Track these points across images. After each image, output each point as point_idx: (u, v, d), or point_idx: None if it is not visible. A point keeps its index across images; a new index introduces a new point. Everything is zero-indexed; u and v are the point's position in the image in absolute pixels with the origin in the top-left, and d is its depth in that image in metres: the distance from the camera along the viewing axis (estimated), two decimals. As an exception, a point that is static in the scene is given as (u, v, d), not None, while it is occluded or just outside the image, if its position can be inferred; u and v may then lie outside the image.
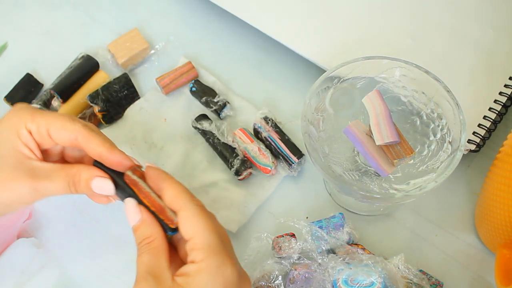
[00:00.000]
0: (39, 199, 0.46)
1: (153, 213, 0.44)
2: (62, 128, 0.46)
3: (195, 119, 0.60)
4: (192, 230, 0.42)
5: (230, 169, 0.58)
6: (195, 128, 0.60)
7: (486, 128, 0.55)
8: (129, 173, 0.46)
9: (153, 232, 0.44)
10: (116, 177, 0.46)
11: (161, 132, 0.62)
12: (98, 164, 0.47)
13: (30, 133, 0.46)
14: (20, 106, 0.48)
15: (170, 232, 0.44)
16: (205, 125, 0.59)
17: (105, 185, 0.46)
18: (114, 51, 0.64)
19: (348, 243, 0.52)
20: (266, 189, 0.58)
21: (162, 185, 0.45)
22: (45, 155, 0.48)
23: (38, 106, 0.61)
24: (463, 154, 0.48)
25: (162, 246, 0.43)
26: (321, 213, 0.56)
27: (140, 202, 0.45)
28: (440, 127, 0.51)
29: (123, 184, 0.46)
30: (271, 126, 0.59)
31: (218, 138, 0.59)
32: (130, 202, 0.45)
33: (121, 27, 0.68)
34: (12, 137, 0.46)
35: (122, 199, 0.46)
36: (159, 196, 0.45)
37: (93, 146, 0.46)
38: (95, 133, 0.47)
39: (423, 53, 0.59)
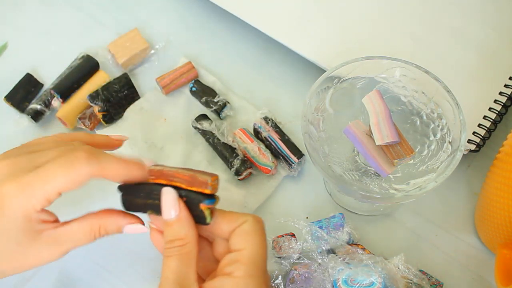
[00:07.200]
0: (69, 251, 0.44)
1: (185, 192, 0.41)
2: (70, 181, 0.40)
3: (195, 119, 0.60)
4: (246, 242, 0.40)
5: (230, 169, 0.58)
6: (195, 128, 0.60)
7: (486, 128, 0.55)
8: (152, 167, 0.43)
9: (188, 234, 0.40)
10: (141, 188, 0.43)
11: (161, 132, 0.62)
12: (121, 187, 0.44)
13: (42, 209, 0.41)
14: (12, 187, 0.40)
15: (207, 201, 0.41)
16: (205, 125, 0.59)
17: (138, 229, 0.43)
18: (114, 51, 0.64)
19: (348, 243, 0.52)
20: (266, 189, 0.58)
21: None
22: None
23: (38, 106, 0.61)
24: (463, 154, 0.48)
25: (193, 252, 0.41)
26: (321, 213, 0.56)
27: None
28: (440, 127, 0.51)
29: (149, 190, 0.43)
30: (271, 126, 0.59)
31: (218, 138, 0.59)
32: (170, 193, 0.41)
33: (121, 27, 0.68)
34: (21, 224, 0.40)
35: (151, 208, 0.43)
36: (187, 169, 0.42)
37: (109, 175, 0.42)
38: (105, 160, 0.42)
39: (423, 53, 0.59)
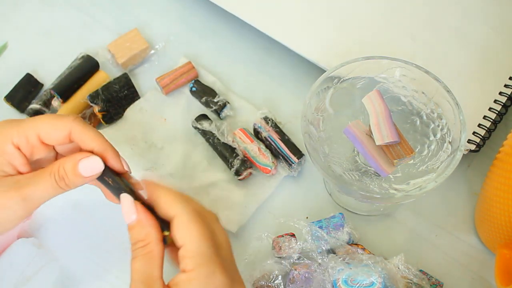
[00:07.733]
0: (32, 209, 0.44)
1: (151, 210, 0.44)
2: (52, 127, 0.44)
3: (195, 119, 0.60)
4: (184, 237, 0.41)
5: (230, 169, 0.58)
6: (195, 128, 0.60)
7: (486, 128, 0.55)
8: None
9: (148, 235, 0.42)
10: (116, 176, 0.45)
11: (161, 132, 0.62)
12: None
13: (19, 148, 0.44)
14: (3, 121, 0.45)
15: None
16: (205, 125, 0.59)
17: (93, 164, 0.43)
18: (114, 51, 0.64)
19: (348, 243, 0.52)
20: (266, 189, 0.58)
21: (157, 193, 0.44)
22: (37, 165, 0.46)
23: (38, 106, 0.61)
24: (463, 154, 0.48)
25: (156, 251, 0.42)
26: (321, 213, 0.56)
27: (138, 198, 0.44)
28: (440, 127, 0.51)
29: (122, 183, 0.45)
30: (271, 126, 0.59)
31: (218, 138, 0.59)
32: (126, 198, 0.43)
33: (121, 27, 0.68)
34: None
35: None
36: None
37: (86, 139, 0.44)
38: (88, 126, 0.45)
39: (423, 53, 0.59)
